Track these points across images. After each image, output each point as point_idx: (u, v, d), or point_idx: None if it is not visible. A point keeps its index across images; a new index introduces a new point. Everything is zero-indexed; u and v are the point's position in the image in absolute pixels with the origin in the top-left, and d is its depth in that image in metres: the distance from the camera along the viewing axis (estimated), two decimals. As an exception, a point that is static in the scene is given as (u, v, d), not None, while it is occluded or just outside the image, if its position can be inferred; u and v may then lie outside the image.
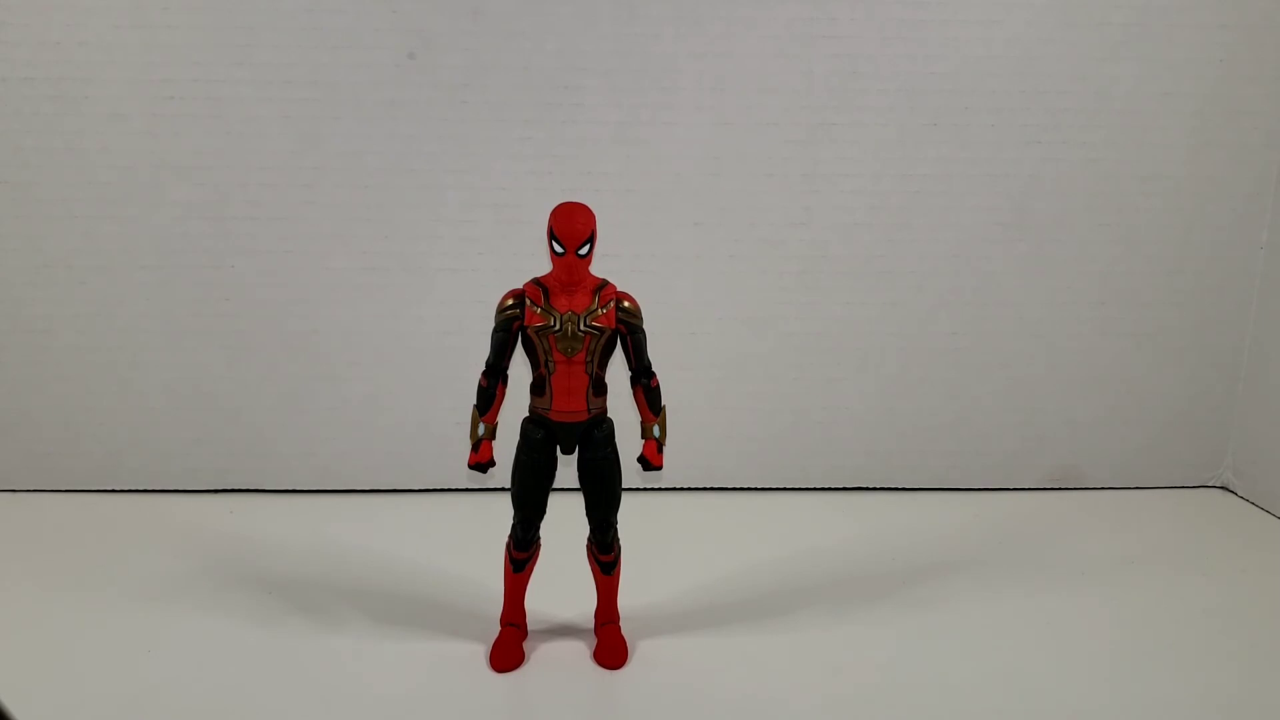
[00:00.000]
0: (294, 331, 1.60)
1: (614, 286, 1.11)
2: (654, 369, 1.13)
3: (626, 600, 1.21)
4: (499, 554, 1.20)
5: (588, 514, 1.14)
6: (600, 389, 1.11)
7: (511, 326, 1.09)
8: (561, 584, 1.25)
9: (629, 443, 1.16)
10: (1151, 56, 1.57)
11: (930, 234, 1.62)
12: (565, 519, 1.22)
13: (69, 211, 1.54)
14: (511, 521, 1.15)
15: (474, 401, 1.13)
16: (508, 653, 1.15)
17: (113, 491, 1.64)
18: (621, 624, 1.19)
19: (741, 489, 1.71)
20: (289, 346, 1.61)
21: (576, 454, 1.12)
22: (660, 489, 1.69)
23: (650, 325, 1.13)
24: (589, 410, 1.10)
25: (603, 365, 1.11)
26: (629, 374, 1.13)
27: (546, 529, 1.17)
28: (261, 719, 1.05)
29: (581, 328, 1.08)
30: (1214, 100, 1.60)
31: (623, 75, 1.54)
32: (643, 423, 1.14)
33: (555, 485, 1.14)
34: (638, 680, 1.13)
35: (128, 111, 1.51)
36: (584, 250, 1.06)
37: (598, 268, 1.15)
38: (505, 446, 1.13)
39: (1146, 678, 1.15)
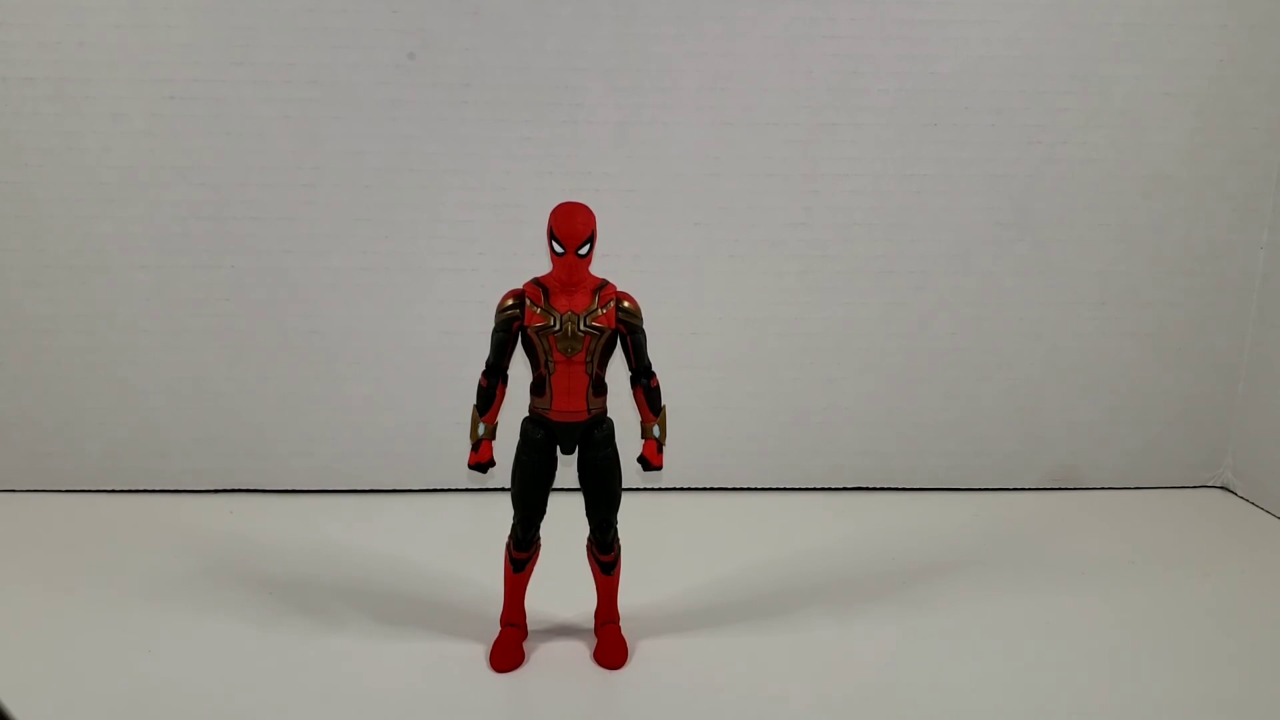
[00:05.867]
0: (294, 331, 1.60)
1: (614, 286, 1.11)
2: (654, 369, 1.13)
3: (626, 600, 1.21)
4: (499, 554, 1.20)
5: (588, 514, 1.14)
6: (600, 389, 1.11)
7: (511, 326, 1.09)
8: (561, 584, 1.25)
9: (629, 443, 1.16)
10: (1151, 56, 1.57)
11: (930, 234, 1.62)
12: (565, 519, 1.22)
13: (69, 211, 1.54)
14: (511, 521, 1.15)
15: (474, 401, 1.13)
16: (508, 653, 1.15)
17: (113, 491, 1.64)
18: (621, 624, 1.19)
19: (741, 489, 1.71)
20: (289, 346, 1.61)
21: (576, 454, 1.12)
22: (660, 489, 1.69)
23: (650, 325, 1.13)
24: (589, 410, 1.10)
25: (603, 365, 1.11)
26: (629, 374, 1.13)
27: (546, 529, 1.17)
28: (261, 719, 1.05)
29: (581, 328, 1.08)
30: (1214, 100, 1.60)
31: (623, 75, 1.54)
32: (643, 423, 1.14)
33: (555, 485, 1.14)
34: (638, 680, 1.13)
35: (128, 111, 1.51)
36: (584, 250, 1.06)
37: (598, 268, 1.15)
38: (505, 446, 1.13)
39: (1146, 678, 1.16)
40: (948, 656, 1.19)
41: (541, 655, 1.18)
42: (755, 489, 1.71)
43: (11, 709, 1.01)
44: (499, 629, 1.18)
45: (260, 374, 1.62)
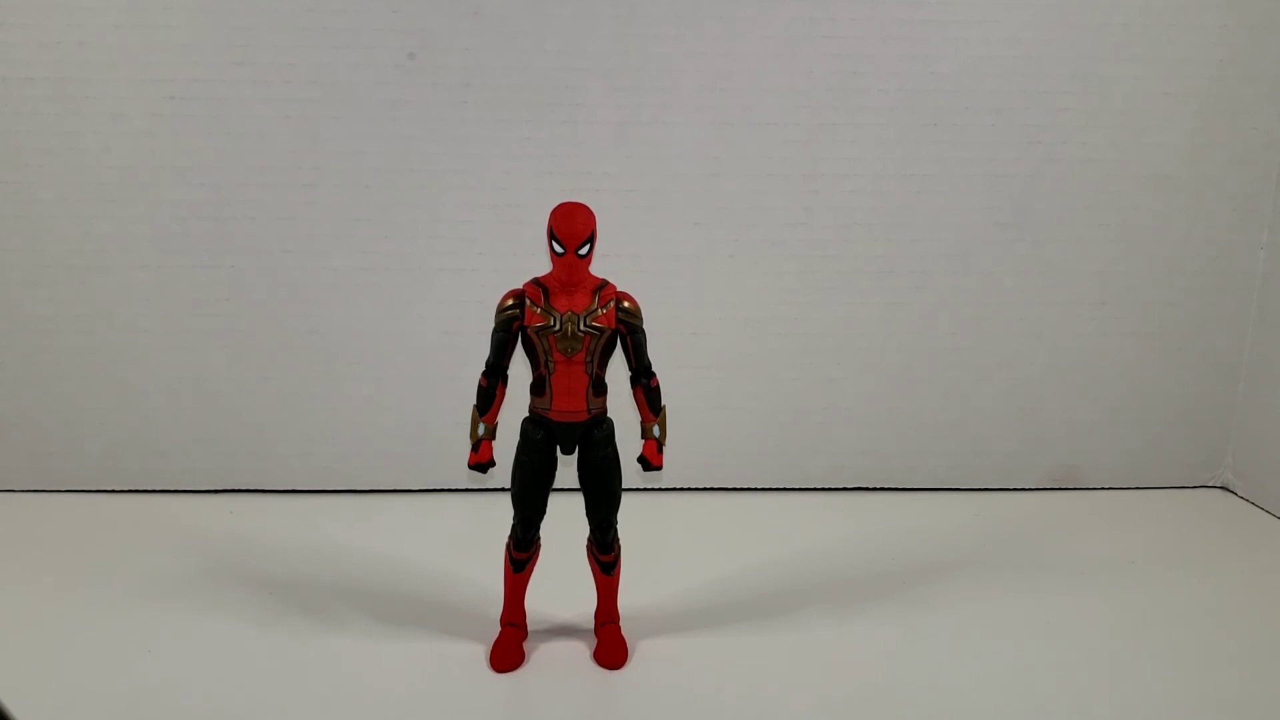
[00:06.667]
0: (294, 331, 1.60)
1: (614, 286, 1.11)
2: (654, 369, 1.13)
3: (626, 600, 1.21)
4: (499, 554, 1.20)
5: (588, 514, 1.14)
6: (600, 389, 1.11)
7: (511, 326, 1.09)
8: (561, 584, 1.25)
9: (629, 443, 1.16)
10: (1151, 56, 1.57)
11: (930, 234, 1.62)
12: (565, 519, 1.22)
13: (69, 211, 1.54)
14: (511, 522, 1.15)
15: (474, 401, 1.13)
16: (508, 653, 1.15)
17: (113, 491, 1.64)
18: (621, 624, 1.19)
19: (741, 489, 1.71)
20: (289, 346, 1.61)
21: (576, 454, 1.12)
22: (660, 489, 1.69)
23: (650, 325, 1.13)
24: (589, 410, 1.10)
25: (603, 365, 1.11)
26: (629, 374, 1.13)
27: (546, 529, 1.17)
28: (261, 719, 1.05)
29: (581, 328, 1.08)
30: (1214, 100, 1.60)
31: (623, 75, 1.54)
32: (643, 423, 1.14)
33: (555, 485, 1.14)
34: (638, 680, 1.13)
35: (128, 111, 1.51)
36: (584, 250, 1.06)
37: (598, 268, 1.15)
38: (505, 446, 1.13)
39: (1146, 678, 1.16)
40: (948, 656, 1.19)
41: (541, 655, 1.18)
42: (755, 489, 1.71)
43: (11, 709, 1.01)
44: (499, 629, 1.18)
45: (260, 374, 1.62)
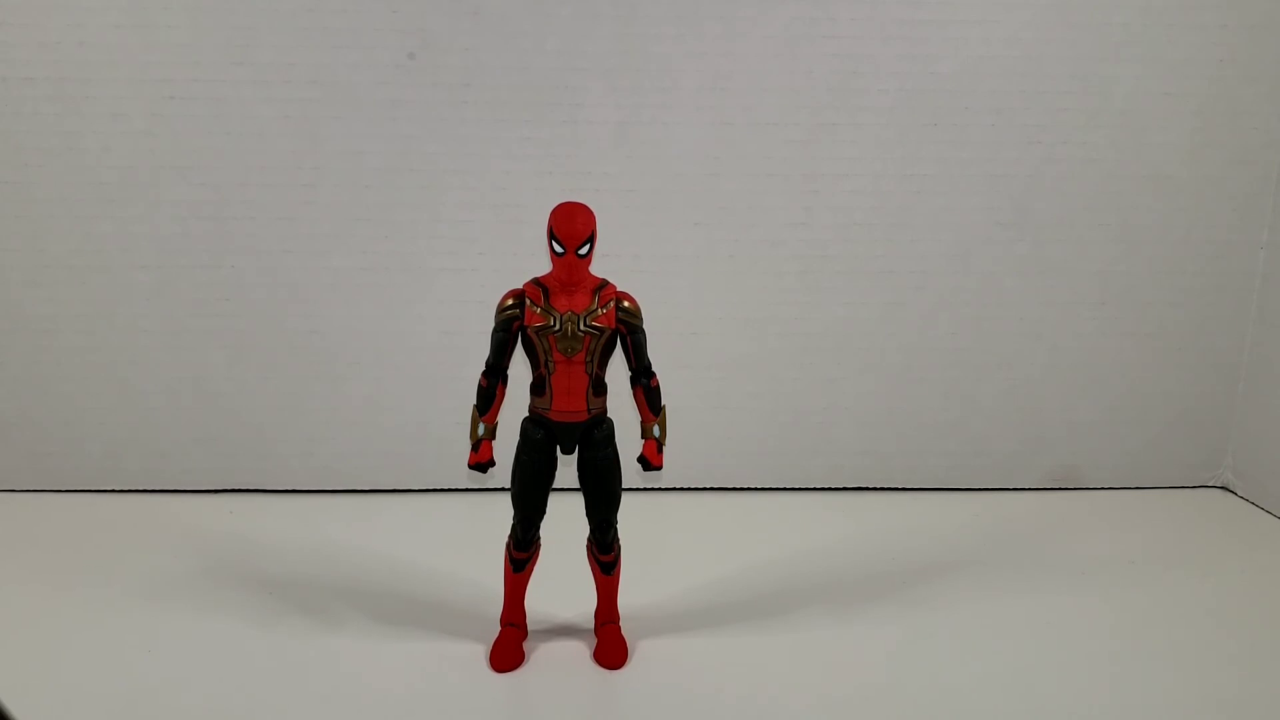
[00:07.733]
0: (294, 331, 1.60)
1: (614, 286, 1.11)
2: (654, 369, 1.13)
3: (626, 600, 1.21)
4: (499, 554, 1.20)
5: (588, 514, 1.14)
6: (600, 389, 1.11)
7: (511, 326, 1.09)
8: (561, 584, 1.25)
9: (629, 443, 1.16)
10: (1151, 56, 1.57)
11: (930, 234, 1.62)
12: (565, 519, 1.22)
13: (69, 211, 1.54)
14: (511, 521, 1.15)
15: (474, 401, 1.13)
16: (508, 653, 1.15)
17: (113, 491, 1.64)
18: (621, 624, 1.19)
19: (741, 489, 1.71)
20: (289, 346, 1.61)
21: (576, 454, 1.12)
22: (660, 489, 1.69)
23: (650, 325, 1.13)
24: (589, 410, 1.10)
25: (603, 365, 1.11)
26: (629, 374, 1.13)
27: (546, 529, 1.17)
28: (261, 719, 1.05)
29: (581, 328, 1.08)
30: (1214, 100, 1.60)
31: (623, 75, 1.54)
32: (643, 423, 1.14)
33: (555, 485, 1.14)
34: (638, 680, 1.13)
35: (128, 111, 1.51)
36: (584, 250, 1.06)
37: (598, 268, 1.15)
38: (505, 446, 1.13)
39: (1146, 678, 1.16)
40: (948, 656, 1.19)
41: (541, 655, 1.18)
42: (755, 489, 1.71)
43: (11, 709, 1.01)
44: (499, 629, 1.18)
45: (260, 374, 1.62)
